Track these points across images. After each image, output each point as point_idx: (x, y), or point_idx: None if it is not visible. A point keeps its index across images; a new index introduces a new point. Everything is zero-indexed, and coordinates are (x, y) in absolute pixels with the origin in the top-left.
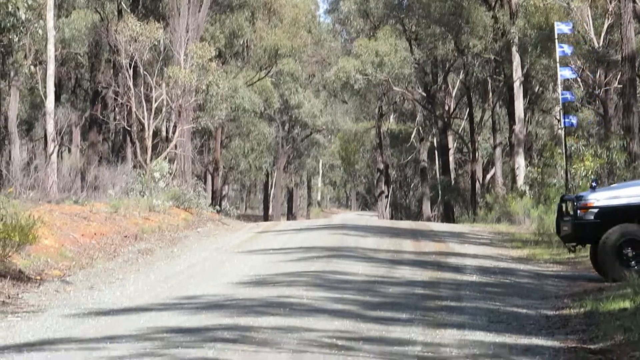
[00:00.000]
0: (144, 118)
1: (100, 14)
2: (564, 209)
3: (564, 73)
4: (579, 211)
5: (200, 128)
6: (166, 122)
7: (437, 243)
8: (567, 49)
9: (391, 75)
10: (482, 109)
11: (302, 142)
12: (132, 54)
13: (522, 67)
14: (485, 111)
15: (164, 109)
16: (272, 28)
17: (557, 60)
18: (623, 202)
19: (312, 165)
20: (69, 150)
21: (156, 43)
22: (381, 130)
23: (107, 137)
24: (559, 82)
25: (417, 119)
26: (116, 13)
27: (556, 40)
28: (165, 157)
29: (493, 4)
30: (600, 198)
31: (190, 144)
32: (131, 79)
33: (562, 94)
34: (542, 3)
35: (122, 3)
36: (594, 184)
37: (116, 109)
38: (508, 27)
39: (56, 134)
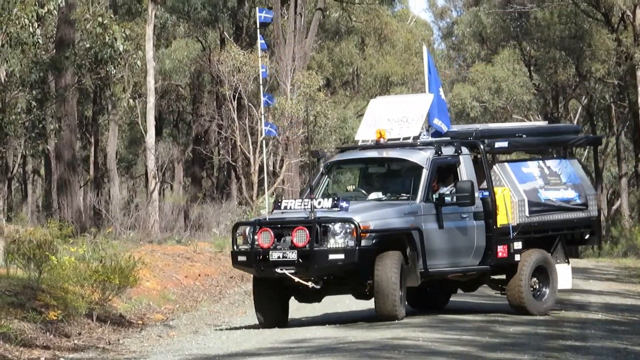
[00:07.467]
0: (249, 152)
1: (201, 43)
2: None
3: None
4: None
5: (308, 162)
6: (272, 156)
7: None
8: None
9: (509, 102)
10: (606, 137)
11: None
12: (235, 85)
13: None
14: (610, 139)
15: (270, 143)
16: (383, 55)
17: None
18: None
19: None
20: (171, 188)
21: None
22: None
23: (210, 173)
24: None
25: None
26: (218, 42)
27: None
28: (272, 193)
29: (616, 25)
30: None
31: (298, 178)
32: (235, 111)
33: None
34: None
35: (224, 32)
36: None
37: (220, 143)
38: (632, 50)
39: (157, 170)
